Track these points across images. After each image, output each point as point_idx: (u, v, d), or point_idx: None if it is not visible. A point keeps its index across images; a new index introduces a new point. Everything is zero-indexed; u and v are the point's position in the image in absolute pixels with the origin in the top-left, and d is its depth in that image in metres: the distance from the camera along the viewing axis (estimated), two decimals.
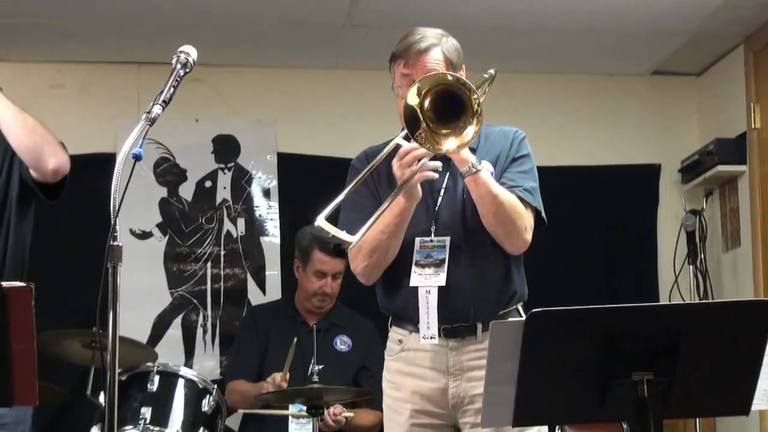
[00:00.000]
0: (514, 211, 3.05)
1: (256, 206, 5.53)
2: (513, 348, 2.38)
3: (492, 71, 3.20)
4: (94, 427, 4.05)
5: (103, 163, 4.86)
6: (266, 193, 5.55)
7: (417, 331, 3.08)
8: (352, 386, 4.59)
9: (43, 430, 4.84)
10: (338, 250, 4.24)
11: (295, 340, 4.41)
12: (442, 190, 3.13)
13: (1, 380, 2.51)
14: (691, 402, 2.54)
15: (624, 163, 5.74)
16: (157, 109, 2.64)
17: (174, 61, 2.75)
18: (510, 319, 3.01)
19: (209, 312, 5.43)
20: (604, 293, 5.39)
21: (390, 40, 3.26)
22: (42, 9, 4.88)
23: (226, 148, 5.56)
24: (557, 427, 3.72)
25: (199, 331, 5.41)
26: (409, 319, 3.12)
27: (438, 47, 3.10)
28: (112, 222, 2.49)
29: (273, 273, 5.48)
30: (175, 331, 5.39)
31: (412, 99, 2.87)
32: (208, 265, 5.47)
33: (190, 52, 2.76)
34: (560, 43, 5.35)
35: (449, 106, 2.87)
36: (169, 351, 5.22)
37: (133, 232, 5.39)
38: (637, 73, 5.77)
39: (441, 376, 3.10)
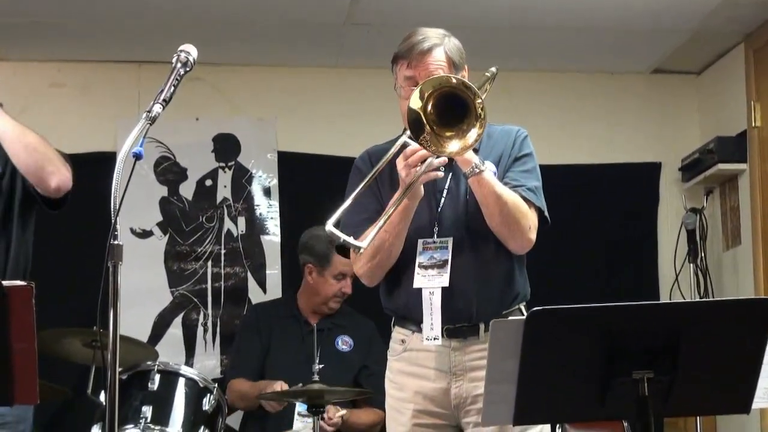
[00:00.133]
0: (518, 211, 3.05)
1: (257, 205, 5.53)
2: (513, 347, 2.38)
3: (493, 69, 3.21)
4: (95, 426, 4.06)
5: (104, 162, 4.86)
6: (267, 192, 5.55)
7: (420, 331, 3.08)
8: (352, 386, 4.59)
9: (44, 429, 4.84)
10: (342, 250, 4.24)
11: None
12: (445, 191, 3.13)
13: (2, 379, 2.51)
14: (691, 400, 2.54)
15: (624, 162, 5.74)
16: (157, 108, 2.64)
17: (174, 60, 2.75)
18: (510, 318, 3.01)
19: (210, 311, 5.43)
20: (605, 292, 5.38)
21: (390, 39, 3.27)
22: (42, 8, 4.88)
23: (226, 146, 5.55)
24: (558, 425, 3.72)
25: (200, 329, 5.41)
26: (412, 320, 3.12)
27: (440, 47, 3.10)
28: (113, 221, 2.49)
29: (273, 272, 5.48)
30: (175, 330, 5.39)
31: (415, 103, 2.87)
32: (209, 263, 5.47)
33: (190, 51, 2.76)
34: (560, 42, 5.35)
35: (452, 108, 2.87)
36: (170, 350, 5.22)
37: (133, 231, 5.39)
38: (637, 71, 5.77)
39: (443, 377, 3.10)
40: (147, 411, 3.98)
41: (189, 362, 5.28)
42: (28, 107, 5.34)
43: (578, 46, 5.42)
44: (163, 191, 5.48)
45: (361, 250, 2.95)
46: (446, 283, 3.04)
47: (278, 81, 5.63)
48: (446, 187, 3.13)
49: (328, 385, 4.16)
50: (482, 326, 3.07)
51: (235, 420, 4.79)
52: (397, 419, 3.16)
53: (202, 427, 4.08)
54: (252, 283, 5.47)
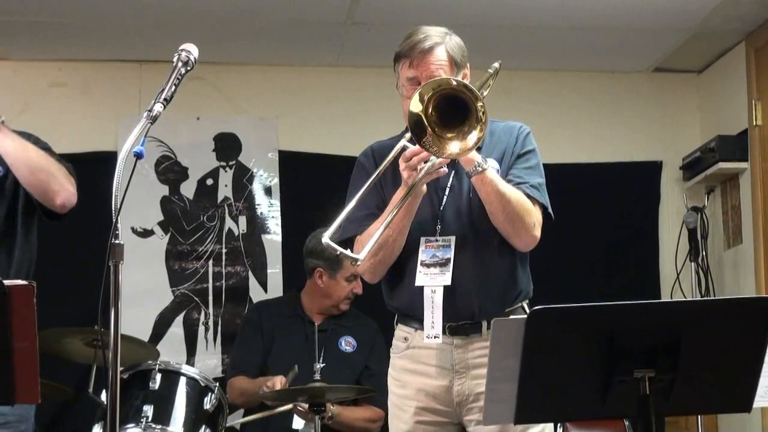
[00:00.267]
0: (523, 208, 3.05)
1: (258, 204, 5.53)
2: (514, 346, 2.38)
3: (496, 65, 3.21)
4: (96, 425, 4.05)
5: (105, 161, 4.86)
6: (268, 191, 5.55)
7: (422, 328, 3.08)
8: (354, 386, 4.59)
9: (45, 428, 4.84)
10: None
11: (296, 367, 4.36)
12: (447, 189, 3.13)
13: (3, 378, 2.51)
14: (692, 399, 2.54)
15: (625, 161, 5.74)
16: (158, 108, 2.64)
17: (175, 59, 2.75)
18: (511, 317, 3.01)
19: (211, 310, 5.43)
20: (605, 291, 5.38)
21: (391, 38, 3.27)
22: (43, 7, 4.88)
23: (227, 146, 5.55)
24: (559, 424, 3.72)
25: (201, 329, 5.41)
26: (415, 317, 3.12)
27: (442, 46, 3.10)
28: (114, 220, 2.49)
29: (274, 271, 5.48)
30: (176, 329, 5.39)
31: (416, 106, 2.86)
32: (210, 263, 5.47)
33: (191, 50, 2.76)
34: (561, 41, 5.35)
35: (454, 109, 2.87)
36: (171, 349, 5.22)
37: (134, 231, 5.39)
38: (638, 70, 5.77)
39: (446, 374, 3.10)
40: (148, 410, 3.98)
41: (190, 361, 5.28)
42: (29, 106, 5.35)
43: (579, 45, 5.42)
44: (164, 190, 5.48)
45: (359, 263, 2.96)
46: (449, 282, 3.04)
47: (279, 80, 5.63)
48: (449, 184, 3.13)
49: (329, 383, 4.15)
50: (485, 324, 3.07)
51: (235, 419, 4.78)
52: (400, 416, 3.16)
53: (203, 426, 4.08)
54: (253, 283, 5.47)
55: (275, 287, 5.43)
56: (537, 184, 3.13)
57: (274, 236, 5.52)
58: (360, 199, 3.02)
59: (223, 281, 5.46)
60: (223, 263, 5.47)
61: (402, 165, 2.97)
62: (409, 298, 3.12)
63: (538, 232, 3.10)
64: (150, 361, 4.16)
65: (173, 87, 2.70)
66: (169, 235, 5.46)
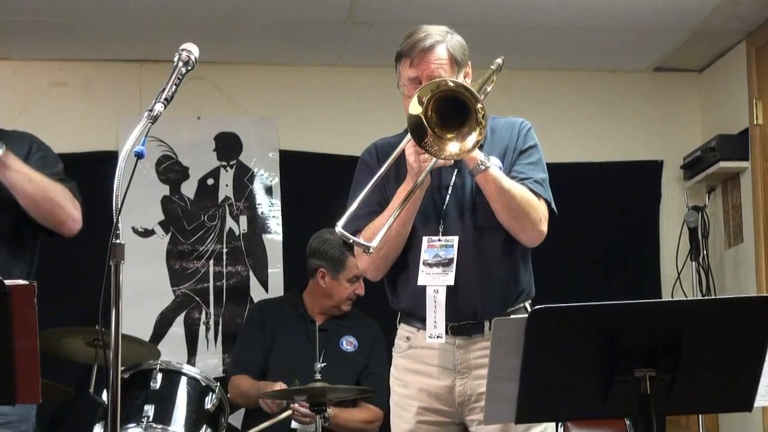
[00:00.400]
0: (528, 204, 3.05)
1: (259, 204, 5.53)
2: (515, 345, 2.38)
3: (499, 61, 3.20)
4: (97, 424, 4.05)
5: (105, 161, 4.86)
6: (268, 191, 5.55)
7: (425, 328, 3.07)
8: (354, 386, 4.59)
9: (46, 428, 4.84)
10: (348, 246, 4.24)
11: (297, 381, 4.36)
12: (450, 188, 3.13)
13: (4, 378, 2.51)
14: (693, 398, 2.54)
15: (626, 160, 5.74)
16: (159, 107, 2.64)
17: (176, 59, 2.75)
18: (512, 316, 3.01)
19: (212, 310, 5.43)
20: (606, 290, 5.37)
21: (392, 38, 3.27)
22: (44, 7, 4.88)
23: (228, 145, 5.55)
24: (560, 423, 3.72)
25: (202, 328, 5.41)
26: (417, 317, 3.12)
27: (443, 44, 3.10)
28: (115, 220, 2.49)
29: (275, 270, 5.48)
30: (177, 328, 5.39)
31: (415, 108, 2.86)
32: (211, 262, 5.47)
33: (192, 49, 2.76)
34: (562, 40, 5.35)
35: (454, 110, 2.87)
36: (172, 349, 5.22)
37: (135, 230, 5.39)
38: (639, 69, 5.77)
39: (448, 374, 3.10)
40: (149, 410, 3.98)
41: (191, 361, 5.28)
42: (30, 106, 5.36)
43: (580, 44, 5.42)
44: (165, 190, 5.48)
45: (371, 250, 2.95)
46: (451, 282, 3.04)
47: (280, 80, 5.63)
48: (451, 183, 3.13)
49: (329, 383, 4.15)
50: (487, 324, 3.07)
51: (236, 418, 4.78)
52: (402, 416, 3.16)
53: (204, 426, 4.08)
54: (254, 282, 5.47)
55: (276, 287, 5.43)
56: (540, 179, 3.14)
57: (274, 236, 5.52)
58: (365, 194, 3.02)
59: (224, 281, 5.46)
60: (224, 263, 5.47)
61: (409, 151, 2.96)
62: (412, 298, 3.12)
63: (544, 227, 3.10)
64: (151, 361, 4.15)
65: (174, 87, 2.70)
66: (169, 234, 5.46)
